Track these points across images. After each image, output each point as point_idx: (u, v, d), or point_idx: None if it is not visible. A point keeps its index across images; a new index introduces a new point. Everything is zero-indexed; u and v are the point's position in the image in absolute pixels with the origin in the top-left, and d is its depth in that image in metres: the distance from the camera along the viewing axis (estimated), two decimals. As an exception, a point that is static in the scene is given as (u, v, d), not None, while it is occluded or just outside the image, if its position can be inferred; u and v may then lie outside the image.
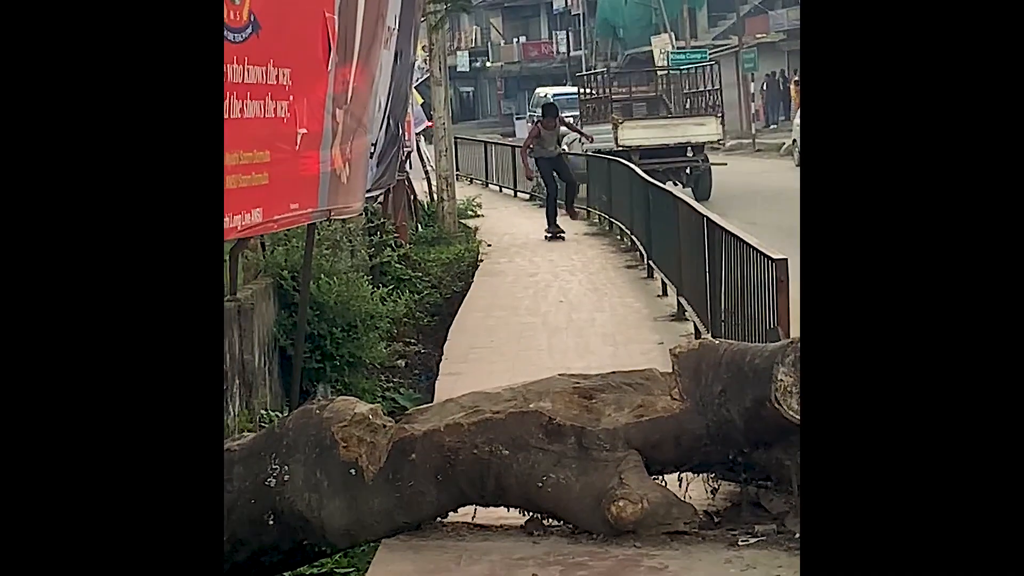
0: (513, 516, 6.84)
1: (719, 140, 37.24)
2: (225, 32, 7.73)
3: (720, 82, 38.49)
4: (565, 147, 25.11)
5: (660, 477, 6.75)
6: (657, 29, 61.06)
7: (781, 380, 6.42)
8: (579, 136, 28.23)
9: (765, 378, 6.47)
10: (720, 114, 37.24)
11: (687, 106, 38.50)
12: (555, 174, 24.08)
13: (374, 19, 11.29)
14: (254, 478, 6.63)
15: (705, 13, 62.24)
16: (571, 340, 11.36)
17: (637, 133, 33.46)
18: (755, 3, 61.93)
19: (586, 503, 6.56)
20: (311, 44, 9.42)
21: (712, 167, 32.72)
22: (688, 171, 32.27)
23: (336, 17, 9.83)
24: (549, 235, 22.63)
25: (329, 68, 9.79)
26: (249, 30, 8.02)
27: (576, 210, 23.77)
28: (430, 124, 24.89)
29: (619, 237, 20.77)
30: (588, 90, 39.66)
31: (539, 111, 27.85)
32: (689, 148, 32.29)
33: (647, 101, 39.46)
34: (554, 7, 76.47)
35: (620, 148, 31.41)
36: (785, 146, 44.11)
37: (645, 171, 28.69)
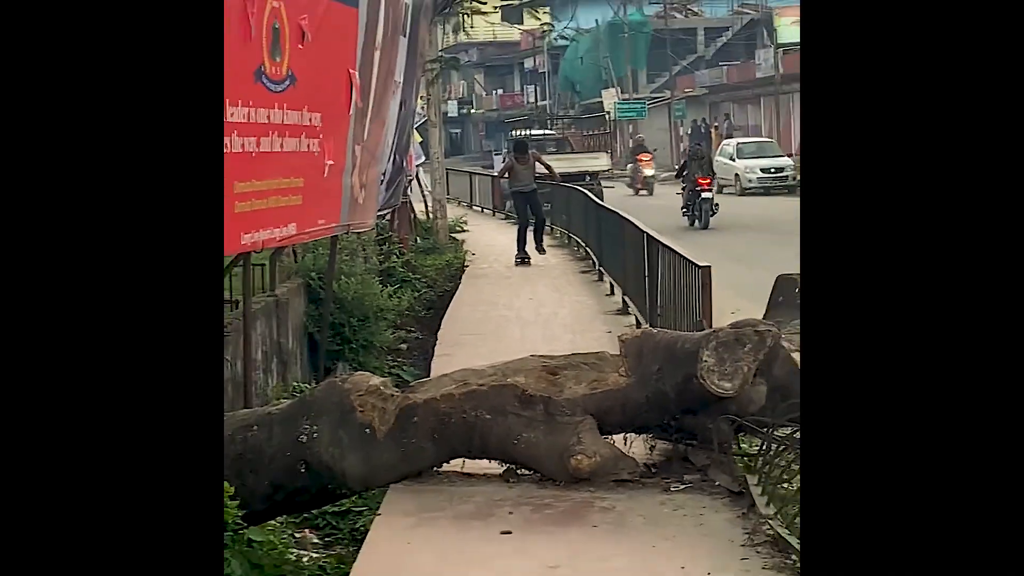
0: (493, 467, 6.86)
1: (608, 170, 38.25)
2: (267, 83, 7.74)
3: (612, 127, 44.63)
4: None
5: (609, 437, 6.78)
6: (607, 84, 61.11)
7: (705, 361, 6.46)
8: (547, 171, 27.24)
9: (693, 359, 6.52)
10: (609, 151, 40.04)
11: (585, 145, 40.00)
12: (528, 208, 20.77)
13: (385, 75, 11.30)
14: (289, 436, 6.63)
15: (644, 72, 62.19)
16: (539, 329, 11.39)
17: (558, 164, 34.19)
18: (684, 64, 61.99)
19: (551, 457, 6.59)
20: (337, 94, 9.43)
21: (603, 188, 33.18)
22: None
23: (356, 73, 9.85)
24: (518, 260, 19.99)
25: (351, 113, 9.80)
26: (287, 82, 8.03)
27: (544, 247, 20.73)
28: (426, 160, 24.78)
29: (576, 248, 20.77)
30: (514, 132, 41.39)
31: (512, 147, 24.82)
32: (587, 175, 32.46)
33: (556, 141, 40.63)
34: (525, 66, 76.48)
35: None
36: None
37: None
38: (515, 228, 21.11)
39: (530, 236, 20.41)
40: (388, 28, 10.79)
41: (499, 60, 78.15)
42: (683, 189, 29.01)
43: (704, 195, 27.98)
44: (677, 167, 33.39)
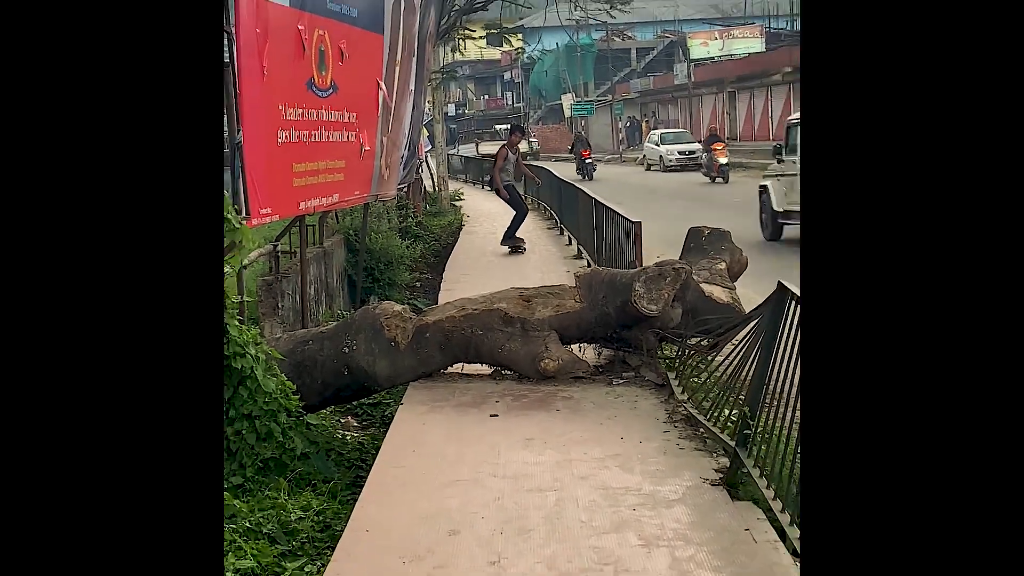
0: (484, 369, 6.88)
1: (530, 153, 42.90)
2: (316, 91, 7.71)
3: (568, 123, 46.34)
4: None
5: (568, 346, 6.82)
6: (565, 90, 60.63)
7: (637, 290, 6.48)
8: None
9: (628, 289, 6.54)
10: (532, 138, 46.20)
11: (500, 136, 44.64)
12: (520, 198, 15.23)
13: (402, 84, 11.23)
14: (336, 348, 6.65)
15: (592, 81, 61.74)
16: (517, 269, 11.42)
17: (485, 148, 42.40)
18: (621, 75, 61.63)
19: (527, 361, 6.62)
20: (368, 98, 9.39)
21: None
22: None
23: (382, 83, 9.80)
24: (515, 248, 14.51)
25: (378, 112, 9.76)
26: (331, 90, 7.99)
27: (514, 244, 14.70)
28: (431, 148, 24.55)
29: (543, 212, 20.67)
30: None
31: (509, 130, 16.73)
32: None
33: (482, 135, 48.06)
34: (505, 78, 75.93)
35: (481, 155, 38.97)
36: (638, 159, 43.95)
37: (473, 164, 35.00)
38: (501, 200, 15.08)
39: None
40: (404, 49, 10.71)
41: (485, 73, 77.44)
42: (573, 157, 36.60)
43: (587, 161, 35.11)
44: (570, 146, 39.11)
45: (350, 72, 8.51)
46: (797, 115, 16.29)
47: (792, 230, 15.08)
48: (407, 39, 10.91)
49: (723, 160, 29.73)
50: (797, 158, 14.32)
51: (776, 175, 15.65)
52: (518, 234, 14.75)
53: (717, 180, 29.71)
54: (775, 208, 15.42)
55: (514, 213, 14.66)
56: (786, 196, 14.93)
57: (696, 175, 33.21)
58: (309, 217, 9.02)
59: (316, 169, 7.80)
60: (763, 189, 16.09)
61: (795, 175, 14.25)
